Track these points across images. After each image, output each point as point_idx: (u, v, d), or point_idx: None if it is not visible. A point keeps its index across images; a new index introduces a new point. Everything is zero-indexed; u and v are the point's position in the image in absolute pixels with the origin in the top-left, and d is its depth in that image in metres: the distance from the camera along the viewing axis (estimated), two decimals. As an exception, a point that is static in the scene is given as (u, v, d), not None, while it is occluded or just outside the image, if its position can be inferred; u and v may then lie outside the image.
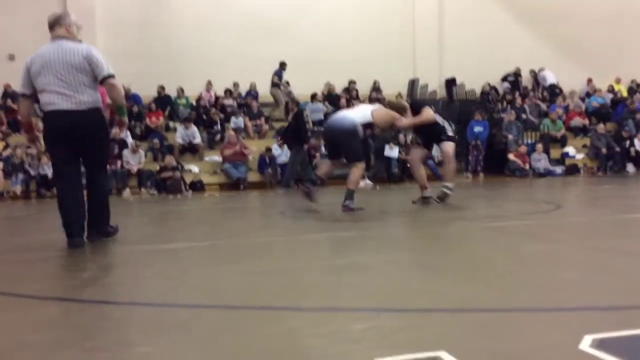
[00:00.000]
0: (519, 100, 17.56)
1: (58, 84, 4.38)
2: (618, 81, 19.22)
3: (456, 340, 2.05)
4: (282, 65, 16.80)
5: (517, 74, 19.12)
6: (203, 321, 2.40)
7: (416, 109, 7.16)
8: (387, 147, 14.57)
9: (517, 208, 7.39)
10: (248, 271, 3.45)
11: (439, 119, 7.24)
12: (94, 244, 4.57)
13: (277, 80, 16.87)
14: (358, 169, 6.79)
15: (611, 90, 18.96)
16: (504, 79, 19.15)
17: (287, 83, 17.06)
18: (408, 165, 11.89)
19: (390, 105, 7.32)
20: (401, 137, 14.97)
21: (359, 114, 6.92)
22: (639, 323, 2.12)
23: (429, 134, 7.18)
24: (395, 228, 5.48)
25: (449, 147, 7.17)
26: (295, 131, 12.90)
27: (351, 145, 6.70)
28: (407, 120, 7.10)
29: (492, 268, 3.34)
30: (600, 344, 1.92)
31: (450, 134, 7.20)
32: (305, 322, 2.34)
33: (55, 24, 4.53)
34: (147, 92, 16.55)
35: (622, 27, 19.45)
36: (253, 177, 14.36)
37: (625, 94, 18.89)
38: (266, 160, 14.28)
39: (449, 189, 6.97)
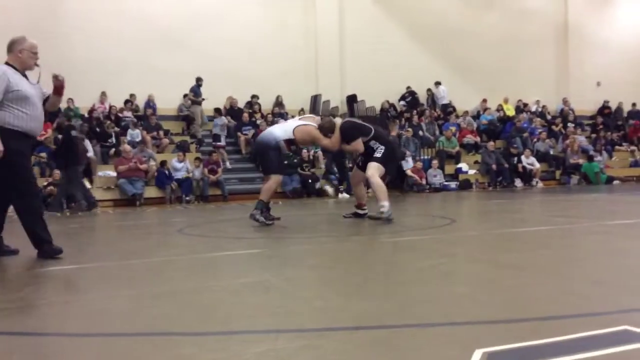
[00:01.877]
0: (416, 118, 18.26)
1: None
2: (506, 101, 20.52)
3: (353, 359, 2.04)
4: (199, 81, 16.57)
5: (413, 93, 19.84)
6: (87, 351, 2.24)
7: (346, 137, 7.13)
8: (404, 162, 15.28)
9: (414, 223, 7.61)
10: (140, 294, 3.28)
11: (377, 142, 7.12)
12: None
13: (194, 96, 16.59)
14: (273, 182, 6.91)
15: (500, 109, 20.19)
16: (402, 98, 19.81)
17: (202, 99, 16.80)
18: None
19: (319, 125, 7.26)
20: (304, 152, 15.12)
21: (281, 129, 7.20)
22: (527, 336, 2.20)
23: (365, 156, 7.25)
24: (296, 244, 5.46)
25: (371, 168, 7.00)
26: (65, 151, 11.75)
27: (269, 158, 6.95)
28: (328, 142, 7.18)
29: (388, 283, 3.38)
30: (490, 358, 1.97)
31: (377, 155, 7.03)
32: (199, 349, 2.24)
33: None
34: (36, 103, 15.59)
35: (512, 50, 20.87)
36: (151, 192, 13.87)
37: (512, 113, 20.18)
38: (166, 174, 13.87)
39: (383, 208, 6.78)
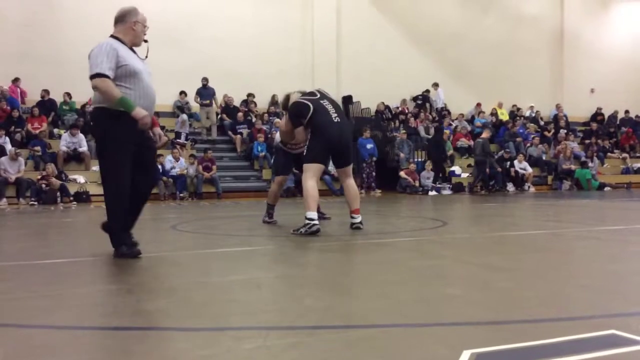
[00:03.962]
0: (411, 120, 18.33)
1: None
2: (500, 105, 20.60)
3: (343, 357, 2.06)
4: (204, 81, 16.53)
5: (426, 97, 19.91)
6: (78, 344, 2.24)
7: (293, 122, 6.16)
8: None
9: (406, 225, 7.64)
10: (132, 289, 3.28)
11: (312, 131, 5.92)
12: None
13: (199, 99, 16.56)
14: (274, 184, 6.88)
15: (494, 113, 20.27)
16: (415, 99, 19.89)
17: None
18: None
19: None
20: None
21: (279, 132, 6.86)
22: (516, 337, 2.22)
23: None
24: (289, 243, 5.47)
25: (304, 171, 5.91)
26: None
27: (275, 160, 6.77)
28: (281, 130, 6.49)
29: (378, 283, 3.40)
30: (478, 359, 2.00)
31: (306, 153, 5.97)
32: (191, 344, 2.25)
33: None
34: (29, 97, 15.56)
35: (507, 55, 20.97)
36: (145, 188, 13.82)
37: (506, 117, 20.26)
38: (160, 170, 13.84)
39: (306, 221, 5.64)
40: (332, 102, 6.04)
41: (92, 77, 4.11)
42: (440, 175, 16.31)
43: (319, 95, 6.01)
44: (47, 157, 13.55)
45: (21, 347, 2.22)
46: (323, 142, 5.79)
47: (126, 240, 4.32)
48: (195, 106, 17.22)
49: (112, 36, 4.36)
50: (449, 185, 16.10)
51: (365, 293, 3.15)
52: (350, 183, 6.14)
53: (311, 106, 5.82)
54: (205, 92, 16.73)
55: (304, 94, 6.24)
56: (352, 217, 6.09)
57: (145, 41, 4.38)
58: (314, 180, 5.75)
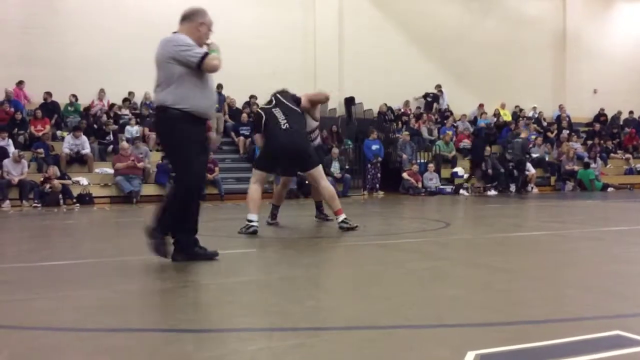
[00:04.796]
0: (413, 121, 18.32)
1: None
2: (503, 106, 20.57)
3: (346, 359, 2.05)
4: (218, 88, 16.42)
5: (437, 96, 19.93)
6: (81, 346, 2.24)
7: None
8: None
9: (408, 226, 7.63)
10: (137, 290, 3.28)
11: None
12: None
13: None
14: (279, 185, 7.04)
15: (497, 114, 20.25)
16: (425, 96, 19.92)
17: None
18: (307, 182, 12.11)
19: None
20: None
21: None
22: (519, 339, 2.22)
23: None
24: (291, 244, 5.47)
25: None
26: None
27: None
28: None
29: (381, 285, 3.40)
30: (482, 360, 1.99)
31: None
32: (195, 346, 2.25)
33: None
34: (32, 99, 15.60)
35: (509, 56, 20.94)
36: (149, 189, 13.86)
37: (509, 118, 20.23)
38: (167, 171, 13.88)
39: (248, 222, 5.93)
40: (287, 108, 6.19)
41: (201, 60, 4.00)
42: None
43: (273, 103, 6.27)
44: (50, 159, 13.56)
45: (24, 348, 2.22)
46: (269, 150, 6.13)
47: (187, 238, 4.19)
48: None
49: (175, 33, 4.20)
50: (451, 187, 16.08)
51: (368, 294, 3.14)
52: (324, 185, 6.17)
53: (263, 115, 6.16)
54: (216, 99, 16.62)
55: (266, 102, 6.55)
56: (337, 219, 6.14)
57: (207, 45, 4.21)
58: (256, 184, 6.12)
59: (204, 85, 4.14)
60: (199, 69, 4.03)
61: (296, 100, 6.41)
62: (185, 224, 4.22)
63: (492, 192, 15.75)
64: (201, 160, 4.20)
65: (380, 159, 15.98)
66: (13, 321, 2.67)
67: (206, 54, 4.02)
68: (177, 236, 4.23)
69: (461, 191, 15.77)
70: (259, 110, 6.40)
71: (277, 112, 6.11)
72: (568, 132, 20.03)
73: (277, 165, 6.48)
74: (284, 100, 6.28)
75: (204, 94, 4.13)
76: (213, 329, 2.49)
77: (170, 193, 4.32)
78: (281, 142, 5.99)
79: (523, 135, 17.01)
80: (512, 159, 16.92)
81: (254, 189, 6.09)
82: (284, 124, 6.02)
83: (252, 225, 5.85)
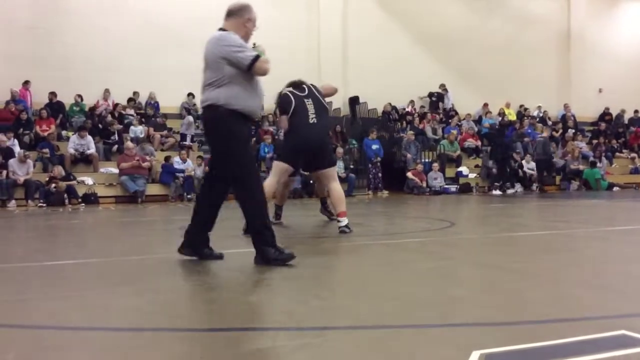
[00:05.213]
0: (417, 121, 18.30)
1: None
2: (508, 106, 20.53)
3: (351, 359, 2.06)
4: None
5: (442, 95, 19.92)
6: (88, 345, 2.25)
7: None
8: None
9: (413, 225, 7.63)
10: (141, 290, 3.29)
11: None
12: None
13: None
14: (280, 185, 6.87)
15: (501, 114, 20.20)
16: (430, 95, 19.90)
17: None
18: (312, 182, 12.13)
19: None
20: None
21: None
22: (525, 338, 2.22)
23: None
24: (295, 244, 5.47)
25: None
26: None
27: None
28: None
29: (386, 284, 3.40)
30: (487, 360, 1.99)
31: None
32: (199, 345, 2.26)
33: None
34: (37, 99, 15.65)
35: (514, 55, 20.89)
36: (154, 189, 13.90)
37: (514, 118, 20.19)
38: (171, 170, 13.93)
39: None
40: (319, 102, 6.01)
41: (252, 63, 3.96)
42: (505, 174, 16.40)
43: (306, 92, 6.03)
44: (55, 159, 13.62)
45: (31, 348, 2.23)
46: (294, 143, 5.90)
47: (269, 240, 3.96)
48: (202, 108, 17.28)
49: (221, 29, 4.10)
50: (456, 186, 16.06)
51: (373, 294, 3.15)
52: (334, 187, 6.07)
53: (293, 103, 5.90)
54: None
55: (294, 85, 6.25)
56: (338, 221, 6.05)
57: (254, 46, 4.15)
58: (273, 179, 5.91)
59: (253, 85, 4.10)
60: (249, 71, 3.99)
61: (320, 93, 6.16)
62: (202, 219, 4.19)
63: (509, 191, 15.78)
64: (250, 156, 4.14)
65: (379, 158, 15.98)
66: (20, 321, 2.69)
67: (257, 57, 3.98)
68: (189, 228, 4.21)
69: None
70: (289, 93, 6.04)
71: (309, 104, 5.91)
72: (573, 131, 19.98)
73: (300, 159, 6.11)
74: (316, 93, 6.09)
75: (253, 94, 4.11)
76: (216, 328, 2.49)
77: (239, 194, 4.09)
78: (307, 136, 5.79)
79: (545, 134, 17.06)
80: (536, 157, 16.93)
81: (269, 183, 5.82)
82: (312, 118, 5.83)
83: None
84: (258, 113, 4.30)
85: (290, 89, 6.22)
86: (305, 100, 5.95)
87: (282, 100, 6.08)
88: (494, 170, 16.32)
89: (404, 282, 3.50)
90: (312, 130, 5.83)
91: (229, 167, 4.05)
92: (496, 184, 15.98)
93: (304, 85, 6.14)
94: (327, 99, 6.45)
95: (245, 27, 4.11)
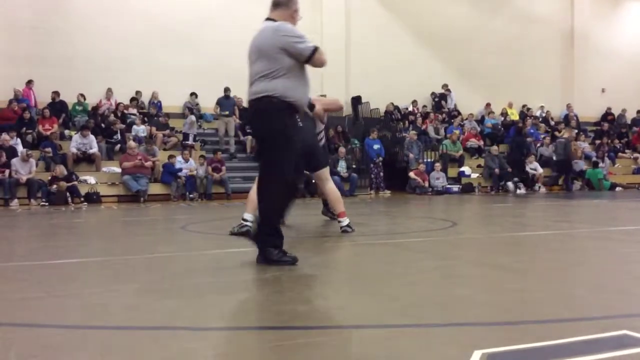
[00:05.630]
0: (420, 121, 18.28)
1: None
2: (510, 105, 20.51)
3: (354, 357, 2.05)
4: (226, 92, 16.33)
5: (444, 95, 19.93)
6: (88, 344, 2.26)
7: None
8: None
9: (416, 225, 7.62)
10: (143, 289, 3.30)
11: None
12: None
13: (220, 110, 16.30)
14: None
15: (504, 113, 20.18)
16: (432, 96, 19.96)
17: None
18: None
19: None
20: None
21: None
22: (527, 338, 2.21)
23: None
24: (298, 244, 5.47)
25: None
26: None
27: None
28: None
29: (389, 284, 3.40)
30: (489, 359, 1.99)
31: None
32: (202, 343, 2.26)
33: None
34: (40, 98, 15.68)
35: (517, 55, 20.86)
36: (156, 189, 13.91)
37: (516, 117, 20.17)
38: (172, 169, 13.93)
39: (244, 222, 5.85)
40: None
41: (312, 54, 3.91)
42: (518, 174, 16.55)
43: None
44: (57, 158, 13.64)
45: (33, 346, 2.23)
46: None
47: (275, 242, 3.89)
48: (204, 107, 17.25)
49: (269, 19, 4.06)
50: (458, 186, 16.04)
51: (375, 293, 3.15)
52: (329, 187, 6.11)
53: None
54: (226, 103, 16.42)
55: None
56: (339, 221, 6.07)
57: None
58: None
59: (305, 77, 4.04)
60: (307, 62, 3.95)
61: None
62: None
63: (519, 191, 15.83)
64: (297, 152, 4.03)
65: (381, 158, 15.98)
66: (22, 319, 2.69)
67: (316, 48, 3.93)
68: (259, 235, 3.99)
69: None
70: None
71: None
72: (576, 131, 19.94)
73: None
74: None
75: (306, 86, 4.06)
76: (218, 327, 2.49)
77: (266, 189, 3.95)
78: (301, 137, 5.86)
79: (567, 135, 17.10)
80: (556, 158, 16.96)
81: (254, 190, 5.98)
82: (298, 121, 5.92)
83: (246, 225, 5.75)
84: (306, 105, 4.23)
85: None
86: None
87: None
88: (509, 169, 16.32)
89: (406, 281, 3.49)
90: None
91: (271, 158, 3.92)
92: (515, 178, 16.09)
93: None
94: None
95: (292, 18, 4.07)
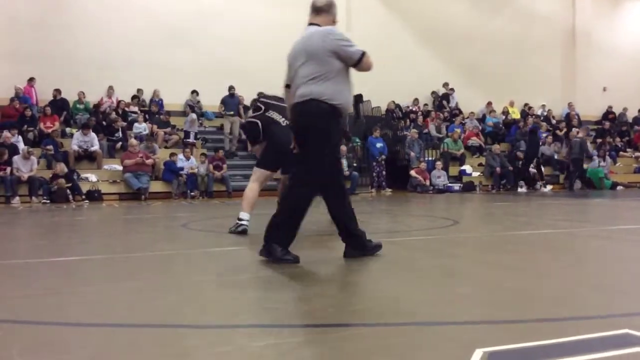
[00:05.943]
0: (420, 119, 18.27)
1: None
2: (512, 104, 20.49)
3: (354, 356, 2.05)
4: (231, 90, 16.26)
5: (447, 95, 19.94)
6: (89, 341, 2.26)
7: None
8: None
9: (417, 223, 7.62)
10: (143, 287, 3.30)
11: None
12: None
13: (224, 109, 16.18)
14: (280, 183, 6.91)
15: (505, 112, 20.16)
16: (434, 95, 19.95)
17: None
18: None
19: None
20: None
21: None
22: (528, 336, 2.21)
23: None
24: (298, 242, 5.47)
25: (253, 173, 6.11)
26: None
27: None
28: None
29: (389, 282, 3.40)
30: (490, 358, 1.99)
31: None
32: (202, 341, 2.26)
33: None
34: (42, 96, 15.68)
35: (518, 53, 20.83)
36: (157, 186, 13.92)
37: (518, 116, 20.15)
38: (173, 168, 13.94)
39: (240, 220, 5.89)
40: (279, 108, 6.02)
41: (361, 58, 4.03)
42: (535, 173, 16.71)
43: (263, 108, 6.12)
44: (59, 156, 13.65)
45: (35, 343, 2.23)
46: (276, 146, 5.82)
47: (283, 241, 3.92)
48: (205, 105, 17.25)
49: (313, 24, 4.11)
50: (459, 185, 16.03)
51: (376, 291, 3.15)
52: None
53: (259, 123, 5.97)
54: (231, 102, 16.34)
55: (253, 108, 6.38)
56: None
57: None
58: (255, 184, 5.91)
59: (350, 82, 4.11)
60: (355, 65, 4.02)
61: (279, 99, 6.21)
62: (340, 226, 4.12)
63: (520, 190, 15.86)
64: (334, 160, 4.06)
65: (384, 156, 15.98)
66: (24, 316, 2.69)
67: (364, 52, 4.01)
68: (352, 233, 4.11)
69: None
70: (251, 120, 6.11)
71: (273, 114, 6.03)
72: (577, 130, 19.90)
73: (284, 161, 6.04)
74: (273, 102, 6.19)
75: (350, 90, 4.14)
76: (219, 325, 2.50)
77: (300, 187, 3.98)
78: (287, 136, 5.90)
79: (581, 134, 17.18)
80: (571, 157, 17.00)
81: (252, 188, 5.91)
82: (284, 121, 5.91)
83: (242, 224, 5.80)
84: (350, 109, 4.29)
85: (250, 116, 6.39)
86: (267, 113, 6.06)
87: (250, 130, 6.18)
88: (498, 169, 16.32)
89: (407, 279, 3.49)
90: (288, 130, 5.86)
91: (311, 160, 3.93)
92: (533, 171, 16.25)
93: (259, 104, 6.24)
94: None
95: (334, 23, 4.16)
